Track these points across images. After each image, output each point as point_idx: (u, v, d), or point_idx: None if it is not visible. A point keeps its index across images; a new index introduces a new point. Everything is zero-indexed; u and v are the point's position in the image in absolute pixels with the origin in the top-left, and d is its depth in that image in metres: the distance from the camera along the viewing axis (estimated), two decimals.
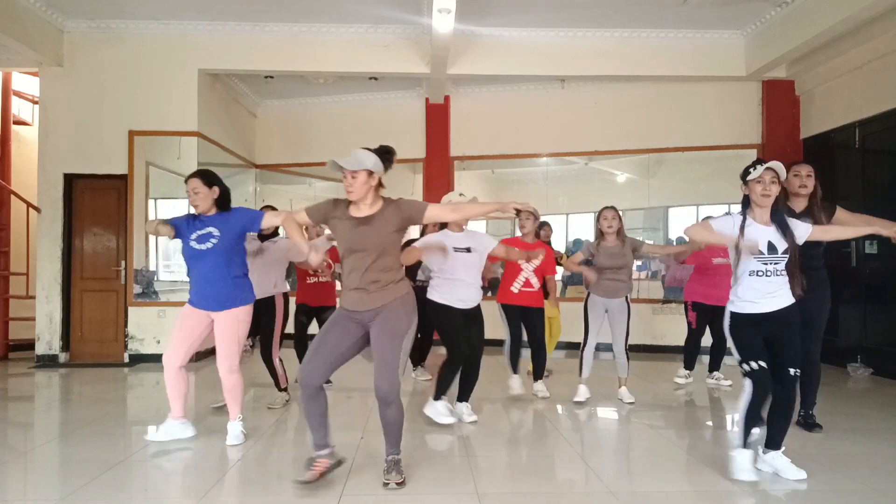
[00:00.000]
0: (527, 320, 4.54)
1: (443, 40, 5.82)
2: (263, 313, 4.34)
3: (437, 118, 7.88)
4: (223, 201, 3.48)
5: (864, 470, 3.04)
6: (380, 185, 2.83)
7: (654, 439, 3.67)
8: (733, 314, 2.93)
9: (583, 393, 4.52)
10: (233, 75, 7.13)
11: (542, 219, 6.14)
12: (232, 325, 3.43)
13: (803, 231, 2.94)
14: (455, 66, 6.58)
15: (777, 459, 2.94)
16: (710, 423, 4.12)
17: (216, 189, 3.43)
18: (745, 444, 2.90)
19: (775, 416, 2.95)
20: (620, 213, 4.47)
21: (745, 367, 2.87)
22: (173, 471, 3.17)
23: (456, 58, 6.48)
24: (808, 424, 3.73)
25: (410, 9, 5.90)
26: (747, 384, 2.88)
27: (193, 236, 3.40)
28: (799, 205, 3.60)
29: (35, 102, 7.37)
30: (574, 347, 5.00)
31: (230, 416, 3.55)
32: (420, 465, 3.13)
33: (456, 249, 3.86)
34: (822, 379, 5.58)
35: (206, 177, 3.45)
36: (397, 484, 2.80)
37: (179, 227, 3.47)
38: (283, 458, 3.24)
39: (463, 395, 4.06)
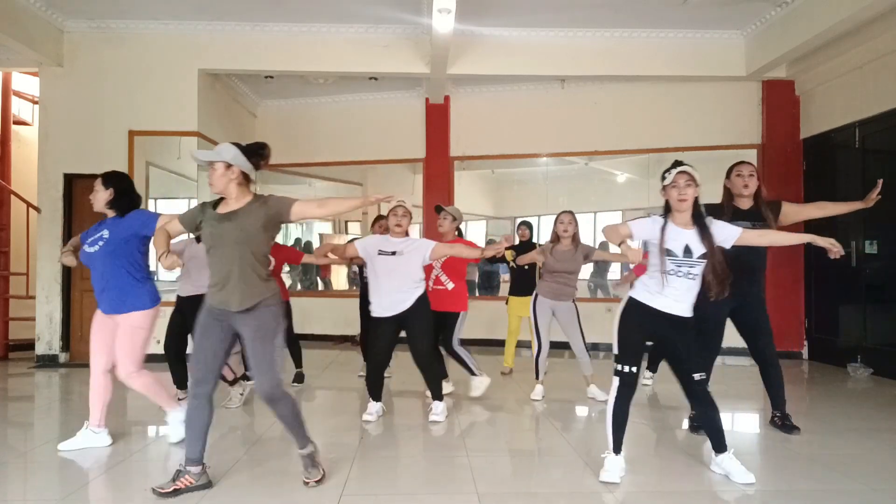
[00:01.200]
0: (440, 323, 4.52)
1: (443, 40, 5.82)
2: (194, 311, 4.23)
3: (437, 118, 7.88)
4: (119, 204, 3.39)
5: (864, 470, 3.03)
6: (247, 180, 2.78)
7: (654, 439, 3.67)
8: (630, 298, 2.89)
9: (539, 392, 4.62)
10: (233, 75, 7.13)
11: (524, 219, 6.18)
12: (126, 330, 3.33)
13: (730, 234, 2.81)
14: (455, 66, 6.58)
15: (726, 462, 2.89)
16: None
17: (111, 191, 3.38)
18: (615, 448, 2.86)
19: (702, 421, 2.94)
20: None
21: (618, 367, 2.85)
22: (173, 471, 3.16)
23: (456, 58, 6.48)
24: (786, 427, 3.65)
25: (410, 9, 5.90)
26: (614, 382, 2.87)
27: (89, 240, 3.37)
28: (744, 204, 3.58)
29: (35, 102, 7.37)
30: (562, 347, 4.98)
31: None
32: (420, 465, 3.13)
33: (380, 252, 3.86)
34: (822, 379, 5.66)
35: (107, 178, 3.41)
36: (317, 482, 2.77)
37: (84, 236, 3.47)
38: (283, 458, 3.23)
39: (432, 394, 4.07)
